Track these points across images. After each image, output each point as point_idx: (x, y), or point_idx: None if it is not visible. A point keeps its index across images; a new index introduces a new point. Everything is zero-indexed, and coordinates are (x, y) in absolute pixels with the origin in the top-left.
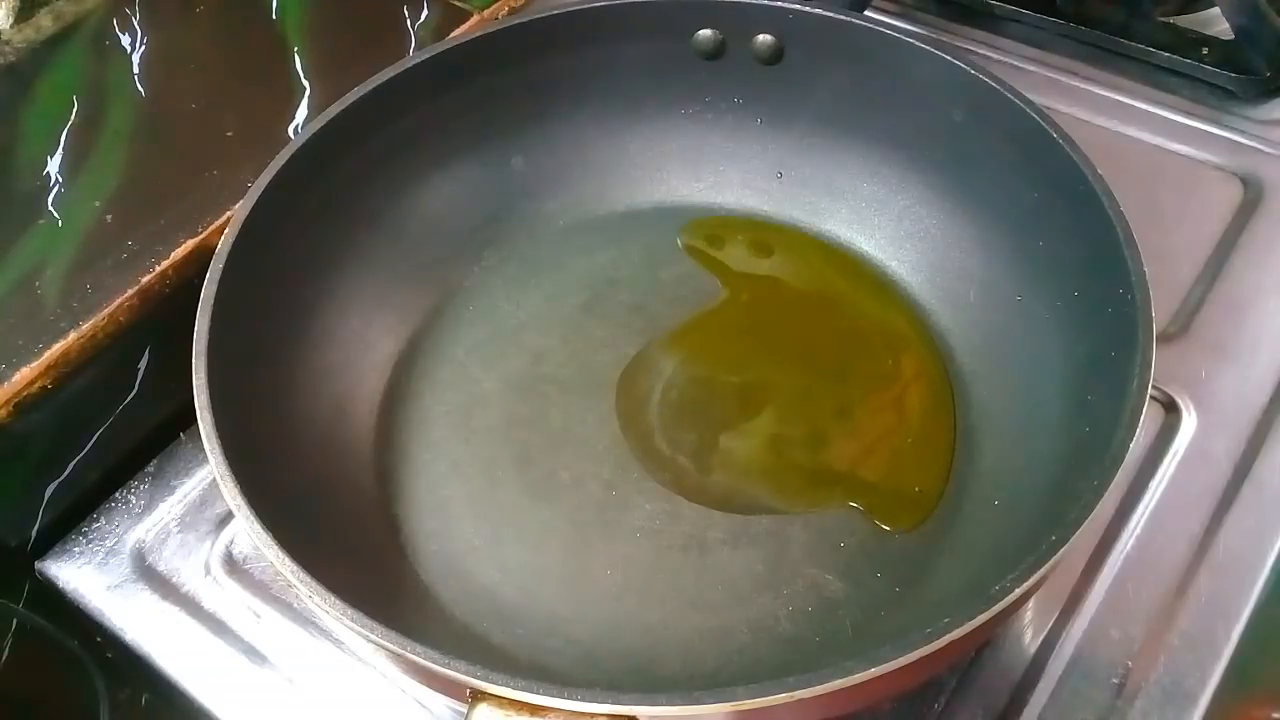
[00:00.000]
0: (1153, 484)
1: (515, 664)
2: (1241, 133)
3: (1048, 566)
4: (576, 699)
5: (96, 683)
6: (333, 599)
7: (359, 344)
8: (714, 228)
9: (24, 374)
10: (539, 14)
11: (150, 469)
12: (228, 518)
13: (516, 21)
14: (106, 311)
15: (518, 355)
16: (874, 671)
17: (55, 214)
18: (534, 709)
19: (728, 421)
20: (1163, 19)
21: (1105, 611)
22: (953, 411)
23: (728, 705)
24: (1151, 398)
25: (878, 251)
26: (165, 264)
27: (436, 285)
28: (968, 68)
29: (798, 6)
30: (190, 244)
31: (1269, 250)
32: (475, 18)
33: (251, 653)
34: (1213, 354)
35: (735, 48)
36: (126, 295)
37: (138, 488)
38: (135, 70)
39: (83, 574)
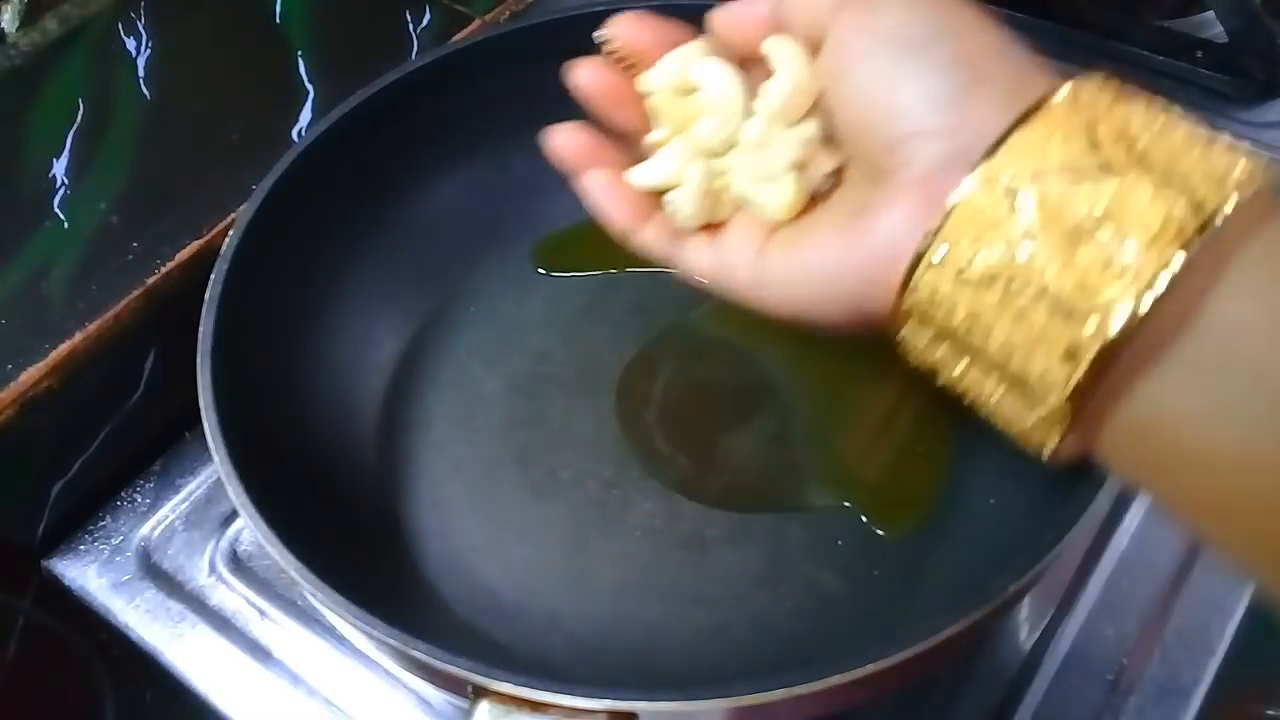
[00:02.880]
0: None
1: (516, 660)
2: (1236, 135)
3: (1043, 564)
4: (577, 695)
5: (102, 679)
6: (336, 596)
7: (362, 344)
8: None
9: (30, 374)
10: (540, 18)
11: (156, 468)
12: (232, 516)
13: (517, 26)
14: (112, 312)
15: (519, 355)
16: (871, 668)
17: (61, 216)
18: (535, 705)
19: (727, 421)
20: (1157, 23)
21: (1100, 609)
22: (949, 412)
23: (727, 702)
24: None
25: None
26: (170, 265)
27: (438, 286)
28: None
29: None
30: (195, 245)
31: None
32: (476, 22)
33: (256, 649)
34: None
35: None
36: (132, 296)
37: (143, 486)
38: (140, 73)
39: (89, 572)
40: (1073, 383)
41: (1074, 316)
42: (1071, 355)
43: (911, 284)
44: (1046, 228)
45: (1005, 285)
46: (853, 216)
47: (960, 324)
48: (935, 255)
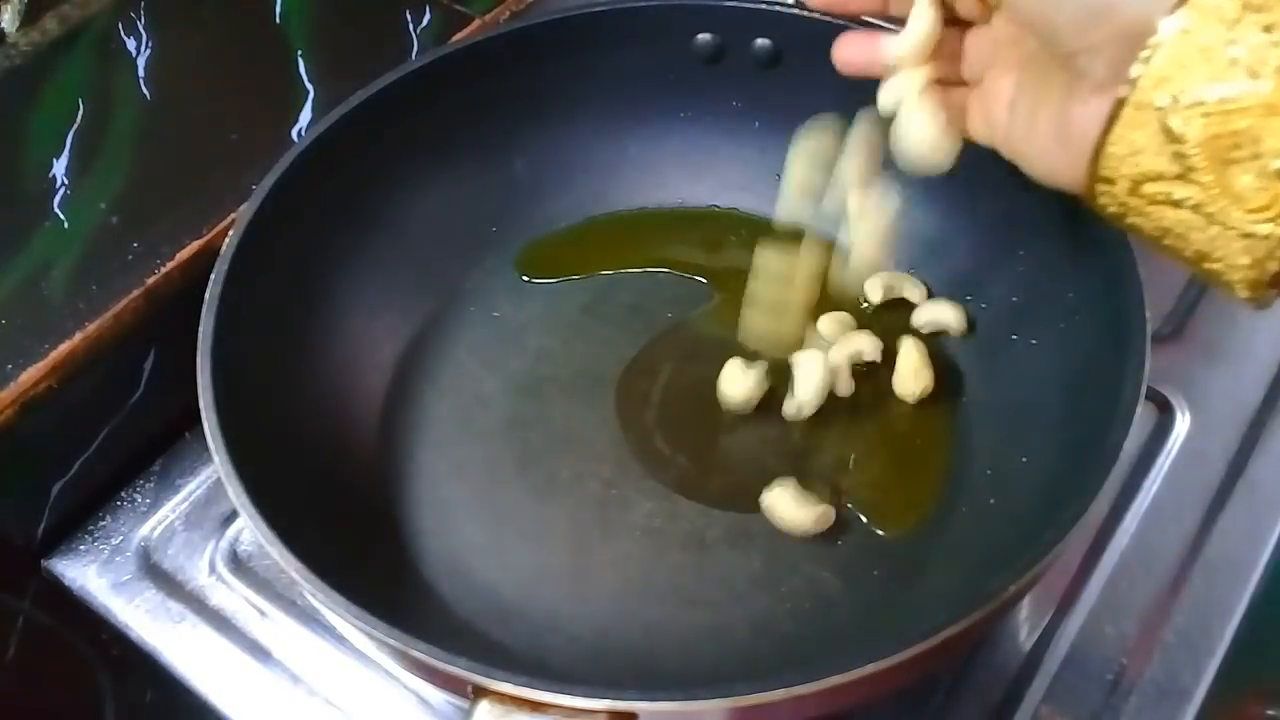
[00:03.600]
0: (1147, 483)
1: (516, 661)
2: None
3: (1043, 565)
4: (577, 695)
5: (102, 680)
6: (336, 596)
7: (362, 344)
8: (713, 229)
9: (30, 374)
10: (539, 18)
11: (156, 468)
12: (232, 516)
13: (517, 26)
14: (112, 313)
15: (519, 356)
16: (871, 668)
17: (61, 216)
18: (535, 705)
19: (727, 421)
20: None
21: (1100, 609)
22: (949, 411)
23: (727, 702)
24: (1145, 398)
25: None
26: (170, 265)
27: (438, 287)
28: None
29: (795, 11)
30: (195, 245)
31: None
32: (476, 22)
33: (256, 649)
34: (1206, 355)
35: (733, 52)
36: (132, 296)
37: (143, 486)
38: (140, 73)
39: (89, 572)
40: (1243, 292)
41: (1233, 226)
42: (1251, 257)
43: (1092, 191)
44: (1196, 142)
45: (1167, 195)
46: (1062, 104)
47: (1132, 224)
48: (1102, 170)
